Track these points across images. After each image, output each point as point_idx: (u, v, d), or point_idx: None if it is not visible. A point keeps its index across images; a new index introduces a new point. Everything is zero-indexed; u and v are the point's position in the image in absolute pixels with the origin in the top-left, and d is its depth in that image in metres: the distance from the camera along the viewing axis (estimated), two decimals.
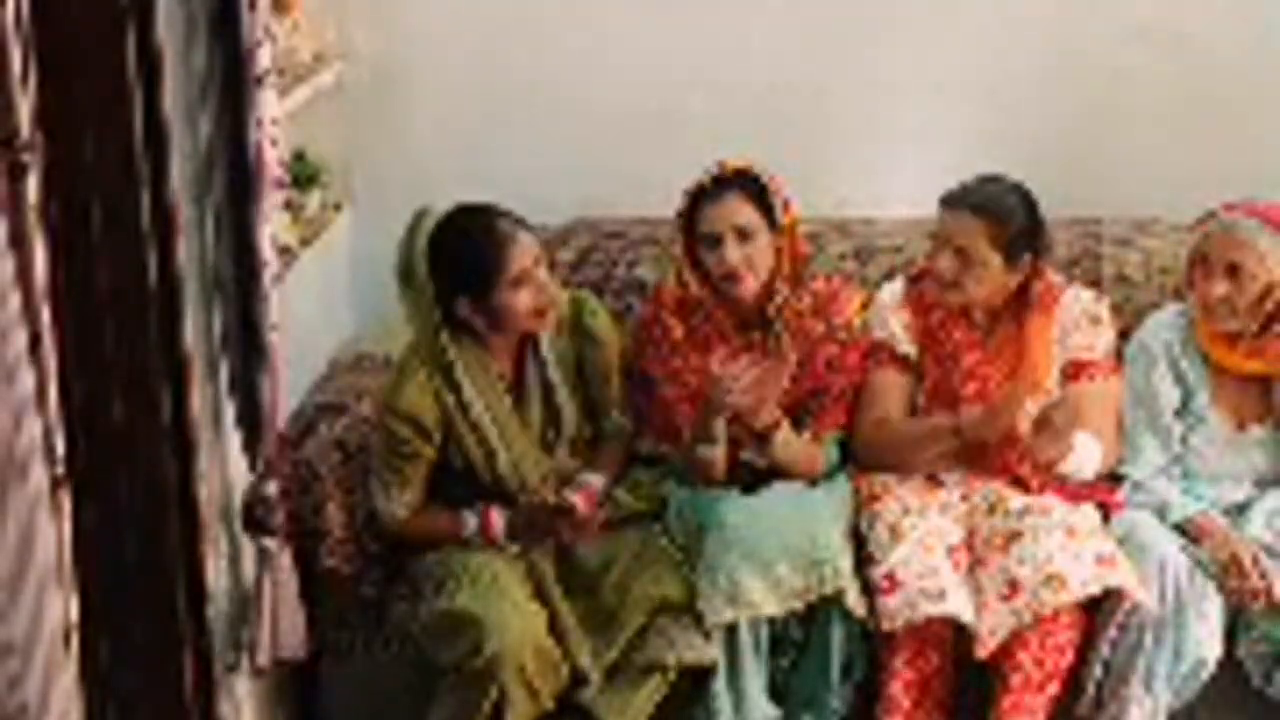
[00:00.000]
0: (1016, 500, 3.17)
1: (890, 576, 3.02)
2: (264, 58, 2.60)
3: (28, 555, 1.64)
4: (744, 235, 3.23)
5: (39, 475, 1.68)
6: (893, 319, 3.34)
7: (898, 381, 3.32)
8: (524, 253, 3.10)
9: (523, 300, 3.10)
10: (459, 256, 3.09)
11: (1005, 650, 3.01)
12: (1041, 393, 3.21)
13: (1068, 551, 3.00)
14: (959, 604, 2.99)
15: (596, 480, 3.24)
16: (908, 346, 3.32)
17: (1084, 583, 2.96)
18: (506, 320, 3.13)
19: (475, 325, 3.14)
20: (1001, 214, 3.18)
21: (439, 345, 3.13)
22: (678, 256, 3.32)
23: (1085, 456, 3.17)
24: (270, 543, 2.85)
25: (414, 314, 3.15)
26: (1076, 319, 3.30)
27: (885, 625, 3.00)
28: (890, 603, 3.00)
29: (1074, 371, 3.29)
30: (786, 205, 3.28)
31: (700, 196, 3.26)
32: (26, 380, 1.67)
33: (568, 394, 3.27)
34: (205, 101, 2.60)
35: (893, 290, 3.39)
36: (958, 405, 3.25)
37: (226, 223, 2.64)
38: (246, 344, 2.70)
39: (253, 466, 2.80)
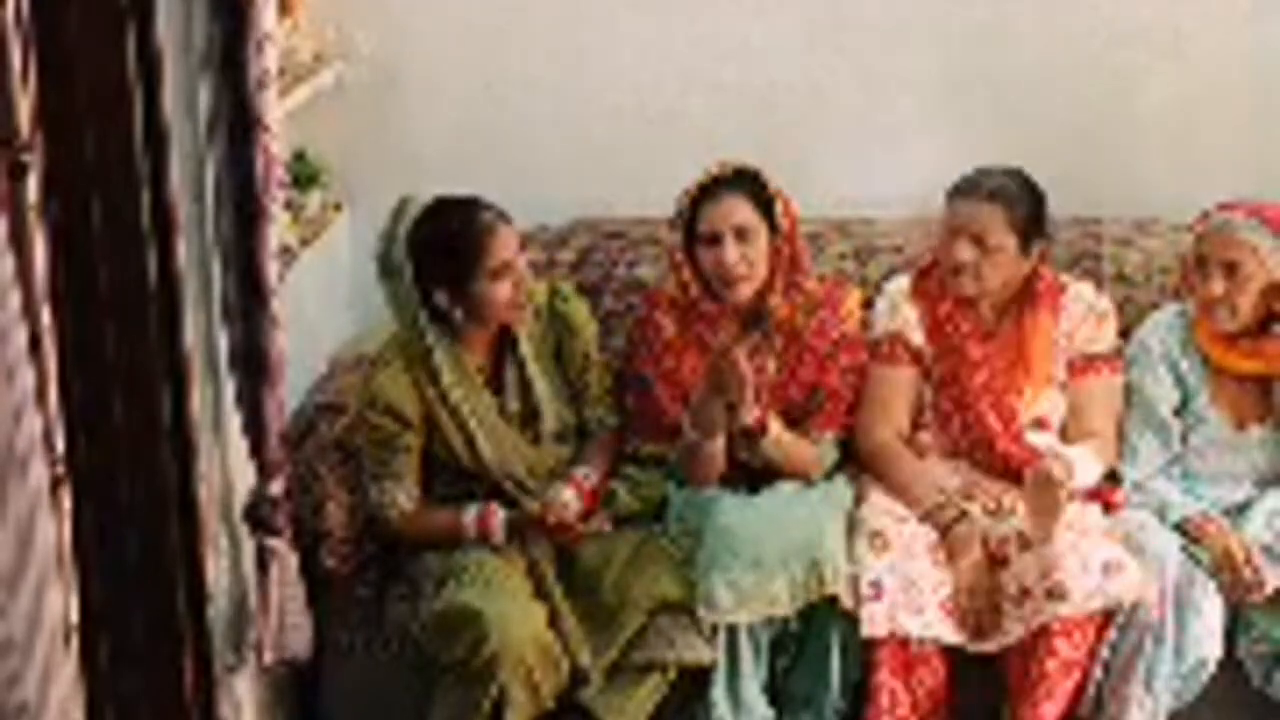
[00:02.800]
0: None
1: (875, 584, 3.03)
2: (266, 58, 2.60)
3: (27, 551, 1.64)
4: (743, 235, 3.23)
5: (39, 472, 1.68)
6: (904, 309, 3.33)
7: (906, 375, 3.31)
8: (504, 244, 3.11)
9: (502, 292, 3.11)
10: (439, 246, 3.11)
11: (1017, 660, 3.02)
12: (1042, 385, 3.21)
13: (1076, 555, 2.99)
14: (935, 620, 3.00)
15: (588, 471, 3.24)
16: (919, 337, 3.32)
17: (1088, 595, 2.96)
18: (485, 311, 3.14)
19: (453, 317, 3.15)
20: (1014, 198, 3.22)
21: (417, 334, 3.14)
22: (676, 256, 3.32)
23: (1084, 472, 3.16)
24: (276, 542, 2.85)
25: (393, 302, 3.17)
26: (1082, 315, 3.32)
27: (867, 629, 3.00)
28: (874, 609, 3.00)
29: (1080, 367, 3.30)
30: (786, 205, 3.28)
31: (699, 196, 3.26)
32: (27, 377, 1.67)
33: (547, 388, 3.27)
34: (205, 101, 2.60)
35: (900, 284, 3.39)
36: (965, 398, 3.25)
37: (232, 247, 2.64)
38: (253, 364, 2.70)
39: (260, 471, 2.80)
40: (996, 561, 3.06)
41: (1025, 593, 3.00)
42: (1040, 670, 2.99)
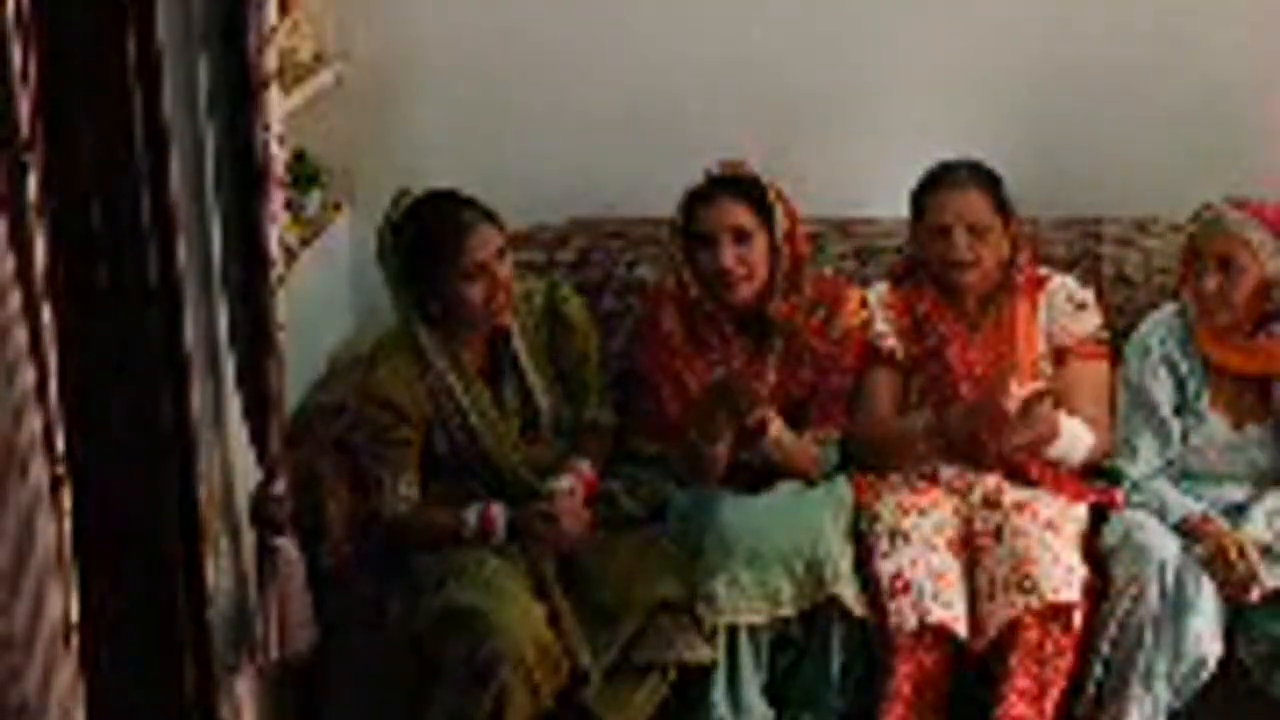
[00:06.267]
0: (1010, 494, 3.17)
1: (899, 576, 3.02)
2: (268, 57, 2.60)
3: (27, 549, 1.64)
4: (740, 237, 3.23)
5: (39, 471, 1.67)
6: (879, 318, 3.36)
7: (887, 379, 3.34)
8: (480, 245, 3.10)
9: (475, 293, 3.11)
10: (416, 243, 3.11)
11: (999, 656, 3.02)
12: (1027, 377, 3.23)
13: (1047, 550, 3.01)
14: (960, 612, 3.01)
15: (584, 465, 3.25)
16: (894, 342, 3.34)
17: (1055, 589, 2.97)
18: (459, 311, 3.13)
19: (438, 314, 3.15)
20: (988, 180, 3.29)
21: (410, 328, 3.14)
22: (675, 257, 3.32)
23: (1073, 441, 3.19)
24: (282, 541, 2.85)
25: (390, 294, 3.18)
26: (1062, 305, 3.36)
27: (895, 625, 2.99)
28: (901, 603, 3.00)
29: (1062, 356, 3.33)
30: (785, 207, 3.28)
31: (697, 197, 3.26)
32: (27, 376, 1.67)
33: (542, 383, 3.27)
34: (206, 100, 2.60)
35: (877, 293, 3.42)
36: (952, 397, 3.26)
37: (233, 217, 2.63)
38: (254, 337, 2.69)
39: (261, 459, 2.79)
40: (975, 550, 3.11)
41: (994, 587, 3.02)
42: (1006, 665, 2.99)
